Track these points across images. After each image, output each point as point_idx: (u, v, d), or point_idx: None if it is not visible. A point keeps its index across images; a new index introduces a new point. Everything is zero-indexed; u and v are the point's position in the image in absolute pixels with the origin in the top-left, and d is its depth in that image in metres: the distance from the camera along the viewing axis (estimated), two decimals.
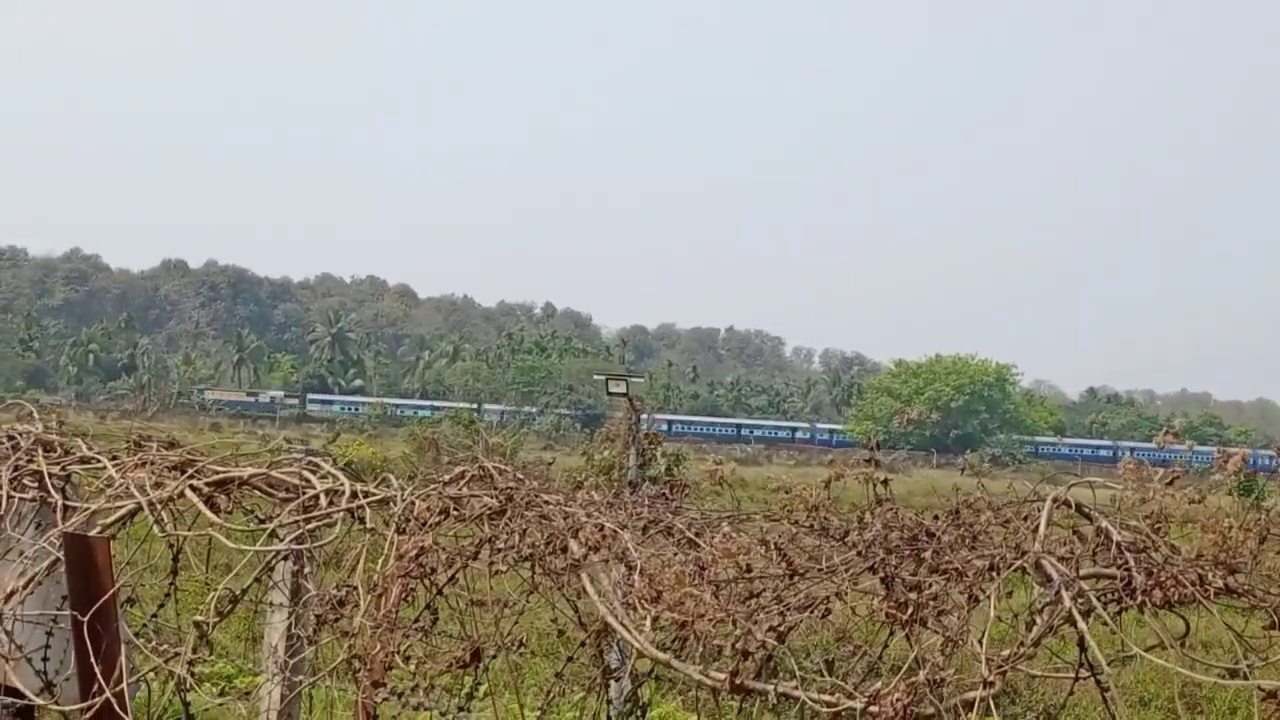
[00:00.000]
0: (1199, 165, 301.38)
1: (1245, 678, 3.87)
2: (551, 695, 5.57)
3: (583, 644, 5.13)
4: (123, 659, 5.68)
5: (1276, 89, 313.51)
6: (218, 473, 6.07)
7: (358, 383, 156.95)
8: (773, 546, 4.55)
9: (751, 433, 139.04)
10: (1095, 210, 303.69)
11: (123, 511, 5.94)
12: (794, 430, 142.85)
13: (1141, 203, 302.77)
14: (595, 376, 25.81)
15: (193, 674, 5.61)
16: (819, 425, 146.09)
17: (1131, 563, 4.13)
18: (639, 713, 5.56)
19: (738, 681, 4.09)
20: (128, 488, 6.00)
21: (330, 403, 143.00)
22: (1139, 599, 4.07)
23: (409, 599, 4.97)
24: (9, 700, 6.33)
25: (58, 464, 6.51)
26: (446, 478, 5.54)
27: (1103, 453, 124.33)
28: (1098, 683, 4.08)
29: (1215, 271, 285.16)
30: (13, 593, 6.04)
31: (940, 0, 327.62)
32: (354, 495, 5.59)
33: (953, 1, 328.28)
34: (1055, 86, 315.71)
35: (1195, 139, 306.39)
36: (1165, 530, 4.33)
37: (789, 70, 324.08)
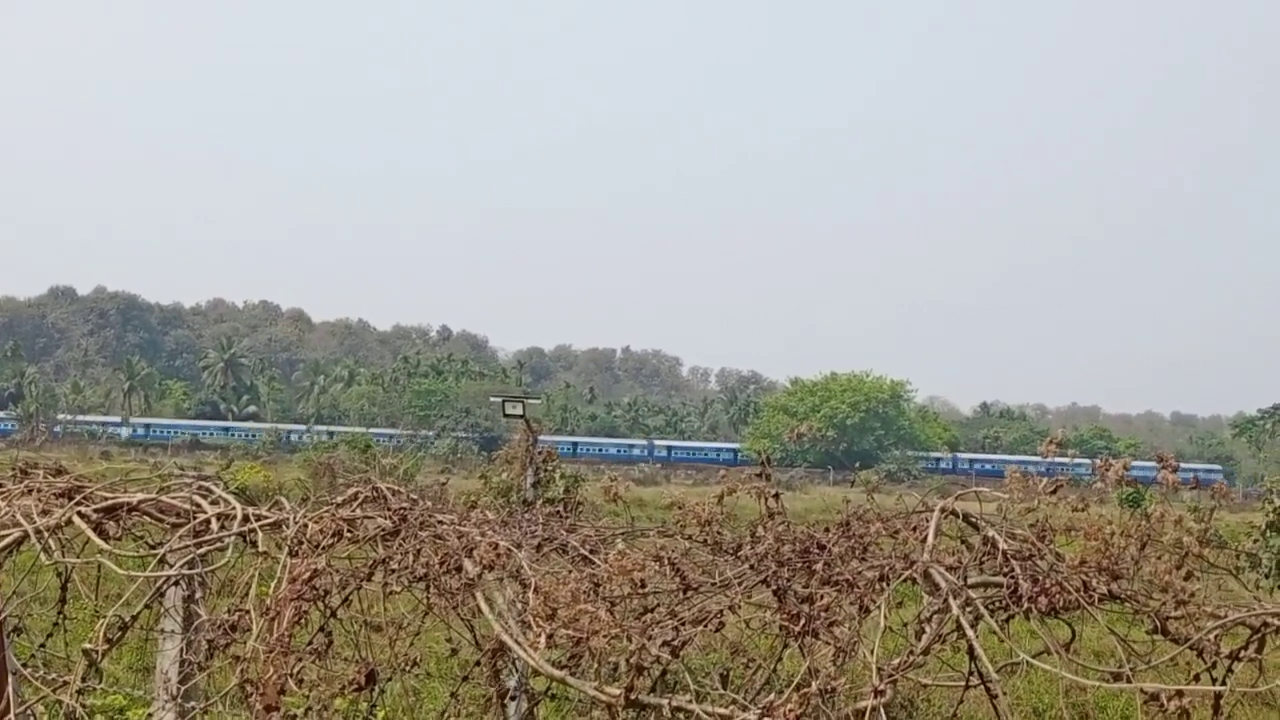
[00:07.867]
0: (1092, 188, 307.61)
1: (1128, 681, 3.96)
2: (447, 716, 5.55)
3: (478, 664, 5.11)
4: (10, 690, 5.58)
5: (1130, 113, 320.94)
6: (106, 499, 5.97)
7: (251, 409, 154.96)
8: (666, 562, 4.58)
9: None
10: (988, 231, 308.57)
11: (8, 540, 5.83)
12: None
13: (1033, 220, 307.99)
14: (492, 399, 25.68)
15: (83, 705, 5.52)
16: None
17: (1017, 570, 4.21)
18: None
19: (633, 697, 4.10)
20: (13, 516, 5.88)
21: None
22: (1025, 605, 4.15)
23: (302, 622, 4.93)
24: None
25: None
26: (339, 499, 5.51)
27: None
28: (988, 690, 4.15)
29: (1103, 287, 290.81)
30: None
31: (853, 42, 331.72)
32: (246, 519, 5.53)
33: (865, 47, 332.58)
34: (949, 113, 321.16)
35: (1094, 159, 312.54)
36: (1050, 539, 4.41)
37: (695, 98, 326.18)
